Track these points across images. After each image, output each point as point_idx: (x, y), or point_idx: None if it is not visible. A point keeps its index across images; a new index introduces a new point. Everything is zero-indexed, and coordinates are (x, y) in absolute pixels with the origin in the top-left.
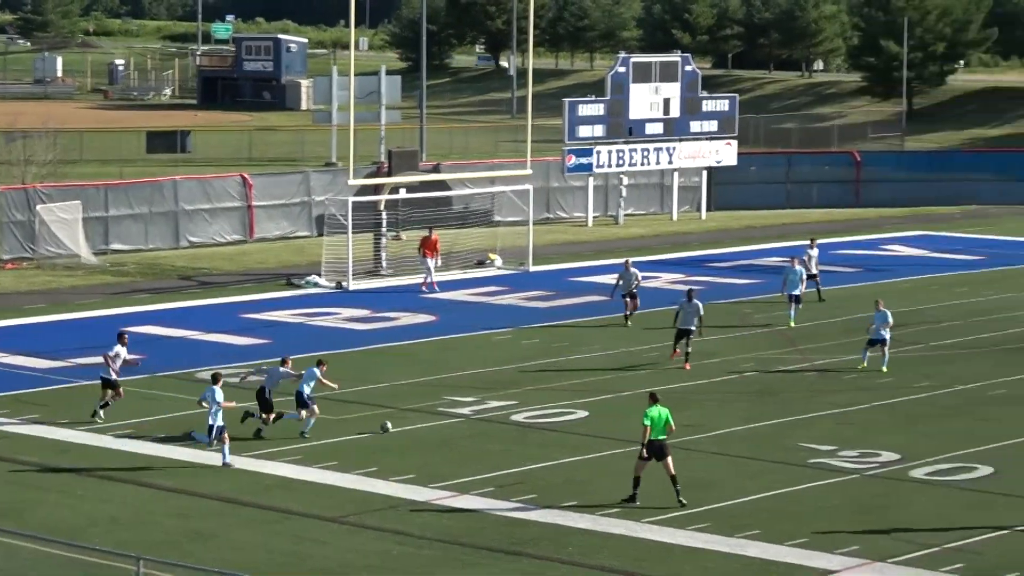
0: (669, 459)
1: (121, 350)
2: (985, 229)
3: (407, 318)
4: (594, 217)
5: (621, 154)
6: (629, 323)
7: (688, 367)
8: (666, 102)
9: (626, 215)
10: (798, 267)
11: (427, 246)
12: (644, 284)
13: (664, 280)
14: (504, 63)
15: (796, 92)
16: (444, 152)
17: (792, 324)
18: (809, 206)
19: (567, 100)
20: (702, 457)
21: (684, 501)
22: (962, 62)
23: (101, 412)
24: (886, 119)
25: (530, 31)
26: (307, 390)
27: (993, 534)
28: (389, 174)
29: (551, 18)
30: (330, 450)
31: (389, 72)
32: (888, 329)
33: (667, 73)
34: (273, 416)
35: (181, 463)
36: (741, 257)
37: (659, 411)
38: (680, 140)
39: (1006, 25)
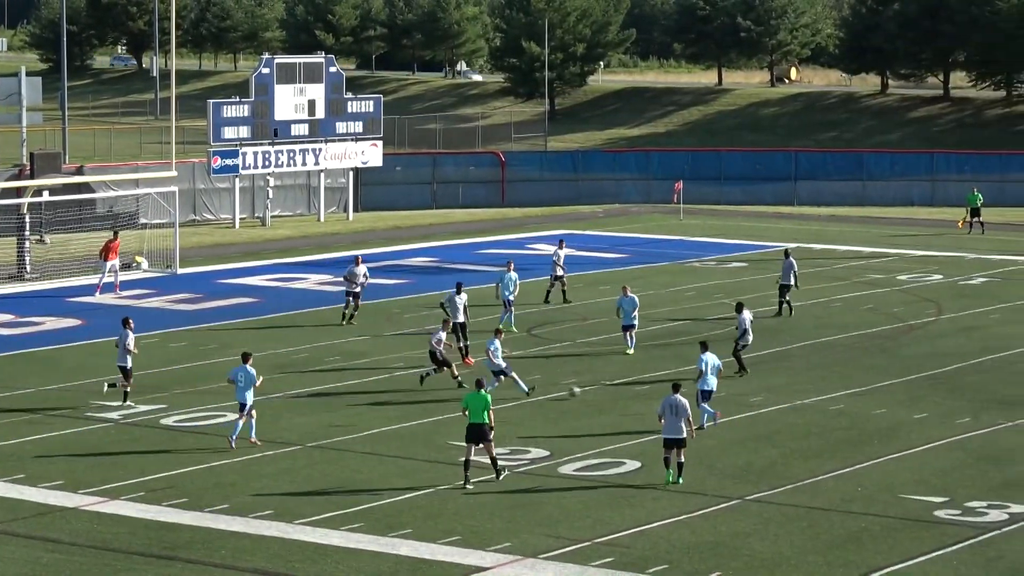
0: (490, 444)
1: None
2: (627, 227)
3: (52, 322)
4: (241, 219)
5: (267, 155)
6: (354, 322)
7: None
8: (311, 103)
9: (273, 216)
10: (513, 272)
11: (108, 249)
12: (294, 286)
13: (313, 282)
14: (146, 64)
15: (440, 93)
16: (87, 154)
17: (513, 328)
18: (455, 206)
19: (211, 102)
20: (354, 457)
21: (501, 478)
22: (602, 63)
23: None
24: (529, 119)
25: (172, 32)
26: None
27: (641, 527)
28: (31, 177)
29: (194, 19)
30: None
31: (29, 73)
32: (636, 313)
33: (311, 74)
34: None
35: None
36: (388, 257)
37: (476, 396)
38: (326, 141)
39: (644, 26)
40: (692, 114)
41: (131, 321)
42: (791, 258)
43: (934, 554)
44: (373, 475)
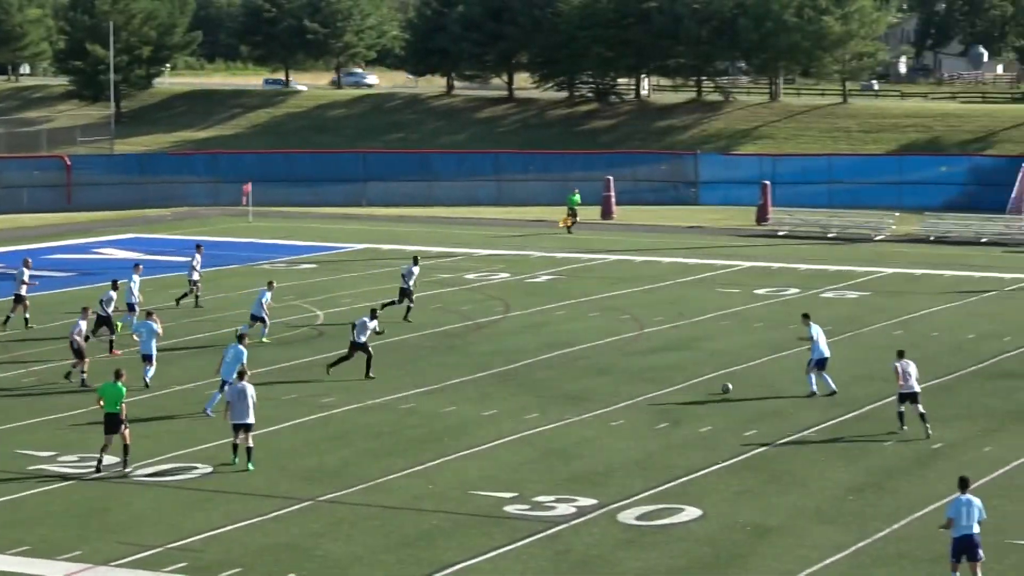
0: (125, 432)
1: (83, 323)
2: (196, 230)
3: None
4: None
5: None
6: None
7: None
8: None
9: None
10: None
11: None
12: None
13: None
14: None
15: (3, 96)
16: None
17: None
18: (19, 211)
19: None
20: None
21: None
22: (168, 65)
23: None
24: (95, 122)
25: None
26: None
27: (214, 531)
28: None
29: None
30: None
31: None
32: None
33: None
34: None
35: None
36: None
37: (111, 387)
38: None
39: (210, 28)
40: (260, 116)
41: (89, 310)
42: (417, 266)
43: (504, 549)
44: None
